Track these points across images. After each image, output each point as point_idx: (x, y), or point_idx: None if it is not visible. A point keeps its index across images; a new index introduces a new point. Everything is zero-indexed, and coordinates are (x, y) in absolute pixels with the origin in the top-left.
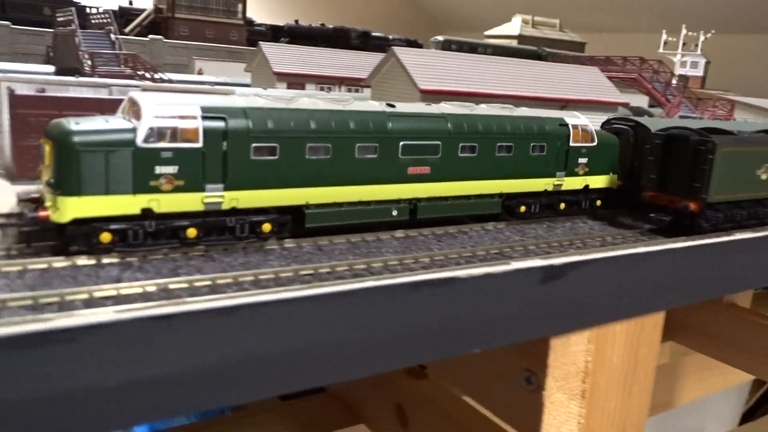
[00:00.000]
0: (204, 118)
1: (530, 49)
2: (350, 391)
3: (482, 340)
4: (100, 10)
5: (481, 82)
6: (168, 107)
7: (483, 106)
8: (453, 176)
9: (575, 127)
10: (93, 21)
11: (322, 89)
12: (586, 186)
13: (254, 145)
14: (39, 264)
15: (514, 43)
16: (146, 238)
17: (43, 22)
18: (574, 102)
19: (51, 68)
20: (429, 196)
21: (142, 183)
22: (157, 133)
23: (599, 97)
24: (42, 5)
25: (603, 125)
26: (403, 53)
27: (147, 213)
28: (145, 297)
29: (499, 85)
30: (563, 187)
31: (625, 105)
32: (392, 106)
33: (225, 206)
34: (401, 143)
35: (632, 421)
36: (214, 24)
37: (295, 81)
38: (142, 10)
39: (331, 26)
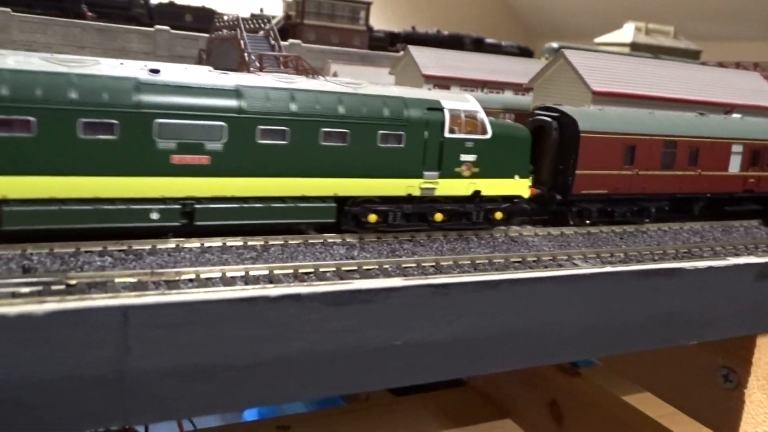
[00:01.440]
0: None
1: (647, 57)
2: (494, 385)
3: (695, 333)
4: (259, 16)
5: (649, 85)
6: None
7: (315, 81)
8: (249, 170)
9: (455, 113)
10: (248, 26)
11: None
12: (477, 192)
13: None
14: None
15: (626, 50)
16: None
17: (185, 27)
18: (740, 107)
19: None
20: (211, 196)
21: None
22: None
23: (764, 102)
24: (185, 12)
25: (528, 116)
26: (573, 55)
27: None
28: (385, 273)
29: (666, 87)
30: (438, 192)
31: None
32: (155, 72)
33: None
34: (157, 122)
35: None
36: (339, 30)
37: (442, 83)
38: (273, 17)
39: (446, 33)
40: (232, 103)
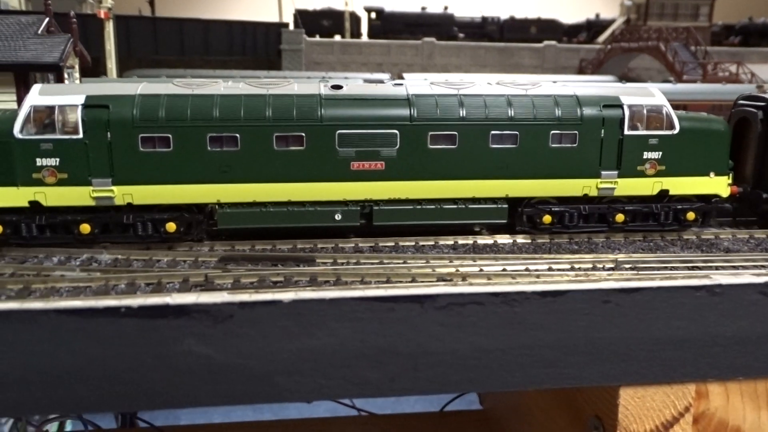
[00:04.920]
0: (85, 107)
1: None
2: None
3: None
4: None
5: None
6: (48, 97)
7: (485, 86)
8: (421, 174)
9: (635, 109)
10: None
11: None
12: (664, 192)
13: (142, 135)
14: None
15: None
16: (43, 232)
17: (529, 39)
18: None
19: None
20: (387, 199)
21: (25, 175)
22: (34, 124)
23: None
24: (530, 25)
25: (733, 107)
26: None
27: (35, 206)
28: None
29: None
30: (618, 192)
31: None
32: (338, 87)
33: (118, 202)
34: (338, 132)
35: None
36: (680, 28)
37: None
38: (610, 21)
39: None
40: (404, 111)
